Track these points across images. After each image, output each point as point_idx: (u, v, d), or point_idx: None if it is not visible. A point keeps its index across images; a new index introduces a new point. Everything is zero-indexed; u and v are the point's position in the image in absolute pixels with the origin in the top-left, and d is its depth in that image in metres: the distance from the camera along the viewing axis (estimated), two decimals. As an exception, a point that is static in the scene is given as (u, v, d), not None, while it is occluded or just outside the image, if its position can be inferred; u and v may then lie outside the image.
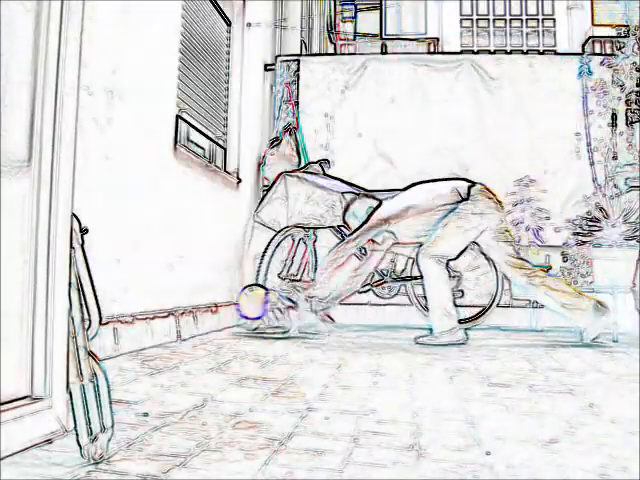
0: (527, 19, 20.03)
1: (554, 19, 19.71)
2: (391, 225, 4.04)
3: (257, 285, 4.05)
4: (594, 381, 2.63)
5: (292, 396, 2.18)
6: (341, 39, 13.98)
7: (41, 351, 1.46)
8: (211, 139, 4.65)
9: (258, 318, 3.90)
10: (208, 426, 1.73)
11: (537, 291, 3.96)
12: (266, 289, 4.03)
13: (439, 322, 3.95)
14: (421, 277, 4.98)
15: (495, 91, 5.48)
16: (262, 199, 5.15)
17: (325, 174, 5.16)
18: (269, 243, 4.74)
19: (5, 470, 1.29)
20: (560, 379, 2.64)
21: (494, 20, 20.29)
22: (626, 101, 5.27)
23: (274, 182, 5.08)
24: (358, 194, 4.94)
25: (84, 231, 1.51)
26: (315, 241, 5.10)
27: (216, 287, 4.52)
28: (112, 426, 1.45)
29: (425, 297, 5.09)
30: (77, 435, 1.39)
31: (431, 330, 4.00)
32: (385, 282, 4.96)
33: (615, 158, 5.24)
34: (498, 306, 4.96)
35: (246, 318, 3.98)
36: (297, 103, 5.67)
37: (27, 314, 1.45)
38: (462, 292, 5.01)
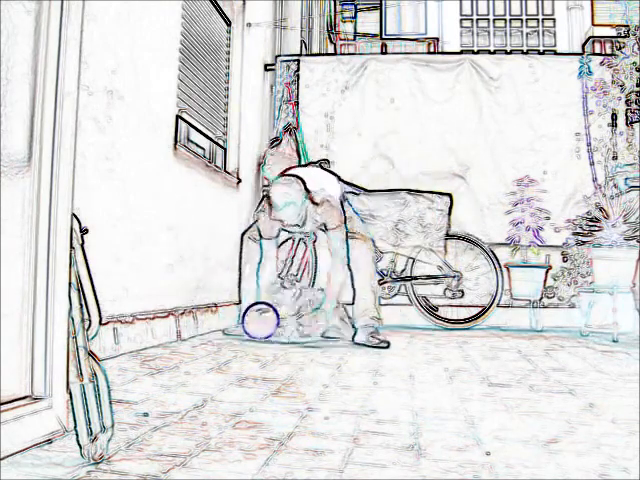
0: (527, 19, 20.03)
1: (554, 19, 19.71)
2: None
3: (262, 303, 3.93)
4: (594, 381, 2.63)
5: (292, 396, 2.18)
6: (341, 39, 13.98)
7: (41, 351, 1.46)
8: (211, 139, 4.65)
9: (268, 337, 3.84)
10: (208, 426, 1.73)
11: None
12: (271, 306, 3.87)
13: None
14: (422, 277, 5.00)
15: (495, 91, 5.48)
16: (262, 199, 5.14)
17: (325, 174, 5.15)
18: (269, 243, 4.73)
19: (5, 470, 1.29)
20: (560, 379, 2.64)
21: (494, 20, 20.28)
22: (626, 101, 5.27)
23: (274, 182, 5.07)
24: (358, 194, 4.95)
25: (84, 231, 1.51)
26: (315, 241, 5.10)
27: (216, 287, 4.52)
28: (112, 426, 1.45)
29: (425, 297, 5.11)
30: (77, 435, 1.39)
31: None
32: (385, 282, 4.96)
33: (615, 158, 5.24)
34: (498, 306, 4.97)
35: (252, 337, 3.84)
36: (297, 103, 5.67)
37: (27, 314, 1.45)
38: (462, 292, 5.02)
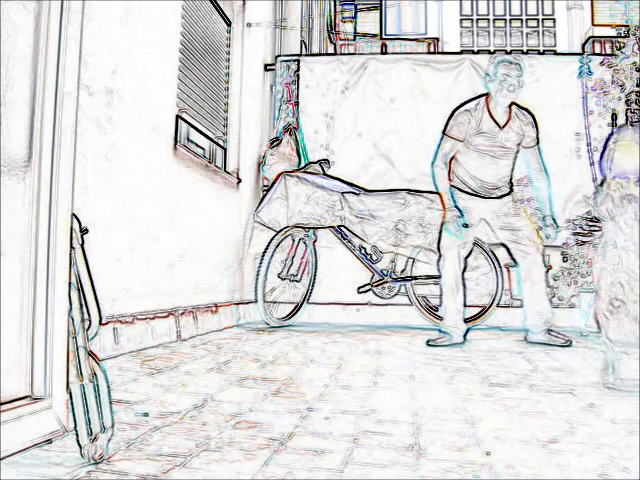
0: (527, 19, 20.03)
1: (554, 19, 19.72)
2: None
3: None
4: (594, 381, 2.63)
5: (292, 396, 2.18)
6: (341, 39, 13.98)
7: (41, 351, 1.46)
8: (211, 139, 4.65)
9: None
10: (208, 426, 1.73)
11: None
12: None
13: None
14: (422, 277, 5.00)
15: (495, 91, 5.47)
16: (262, 199, 5.15)
17: (325, 174, 5.16)
18: (269, 243, 4.74)
19: (5, 470, 1.29)
20: (560, 379, 2.64)
21: (494, 20, 20.28)
22: (626, 101, 5.26)
23: (274, 182, 5.08)
24: (358, 194, 4.95)
25: (84, 231, 1.51)
26: (315, 241, 5.10)
27: (216, 287, 4.52)
28: (112, 426, 1.45)
29: (425, 297, 5.11)
30: (77, 435, 1.39)
31: (439, 330, 4.01)
32: (385, 282, 4.96)
33: (615, 158, 5.23)
34: (498, 306, 4.96)
35: None
36: (297, 103, 5.67)
37: (27, 314, 1.45)
38: (462, 292, 5.01)
